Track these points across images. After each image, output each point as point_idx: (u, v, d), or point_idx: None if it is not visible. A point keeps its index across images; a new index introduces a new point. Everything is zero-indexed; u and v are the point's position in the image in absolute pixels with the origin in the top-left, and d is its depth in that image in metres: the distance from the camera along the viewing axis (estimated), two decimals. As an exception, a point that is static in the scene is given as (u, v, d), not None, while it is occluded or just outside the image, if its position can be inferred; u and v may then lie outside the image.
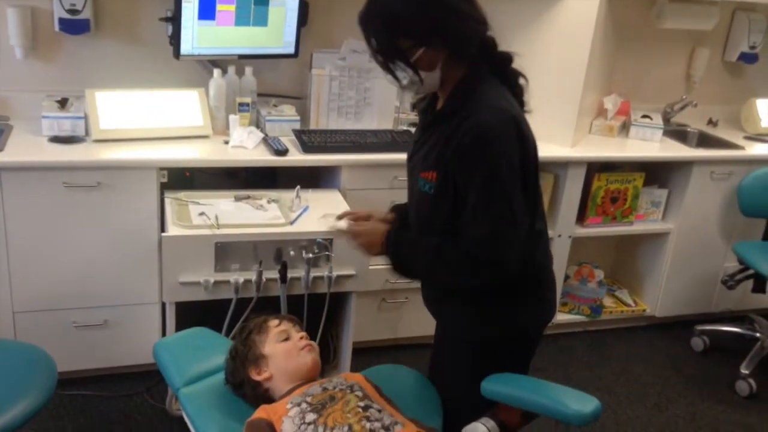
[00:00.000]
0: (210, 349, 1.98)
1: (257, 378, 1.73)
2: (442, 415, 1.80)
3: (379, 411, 1.60)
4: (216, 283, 2.44)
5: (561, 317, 3.48)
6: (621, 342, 3.56)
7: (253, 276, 2.46)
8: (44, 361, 2.06)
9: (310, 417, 1.56)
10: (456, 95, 1.62)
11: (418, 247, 1.67)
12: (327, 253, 2.50)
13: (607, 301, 3.59)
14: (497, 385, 1.65)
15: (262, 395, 1.73)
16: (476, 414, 1.69)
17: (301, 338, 1.79)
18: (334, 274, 2.52)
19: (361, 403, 1.61)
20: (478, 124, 1.53)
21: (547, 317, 1.77)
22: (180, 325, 2.53)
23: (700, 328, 3.53)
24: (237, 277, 2.46)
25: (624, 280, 3.78)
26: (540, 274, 1.73)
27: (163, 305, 2.63)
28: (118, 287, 2.66)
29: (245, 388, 1.75)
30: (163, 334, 2.75)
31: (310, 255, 2.46)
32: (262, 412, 1.64)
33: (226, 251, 2.44)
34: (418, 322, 2.93)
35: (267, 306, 2.37)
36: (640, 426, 2.91)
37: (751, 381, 3.17)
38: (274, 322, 1.82)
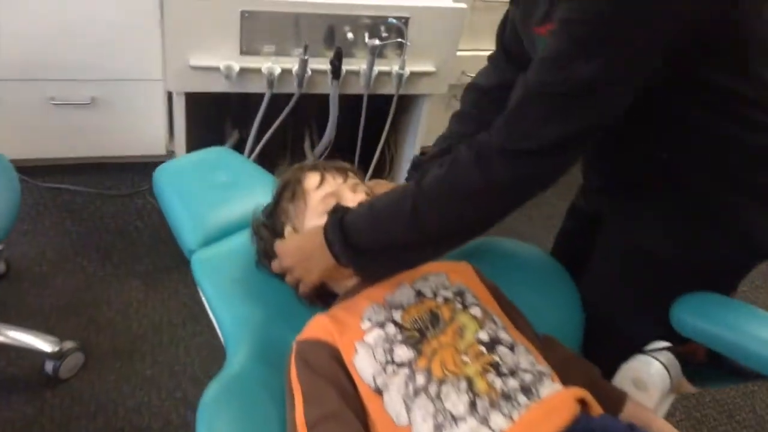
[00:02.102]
0: (236, 185, 1.34)
1: None
2: (582, 322, 1.21)
3: (512, 348, 0.99)
4: (242, 71, 1.73)
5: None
6: None
7: (294, 65, 1.74)
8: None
9: (403, 353, 0.96)
10: None
11: (379, 202, 0.98)
12: (400, 40, 1.75)
13: None
14: (698, 318, 1.03)
15: (315, 293, 1.12)
16: (641, 331, 1.13)
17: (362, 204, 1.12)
18: (407, 70, 1.80)
19: (483, 335, 0.99)
20: None
21: None
22: (191, 120, 1.87)
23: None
24: (271, 65, 1.74)
25: None
26: None
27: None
28: (107, 57, 1.96)
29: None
30: (170, 125, 2.10)
31: (376, 41, 1.72)
32: (320, 326, 1.03)
33: (256, 25, 1.71)
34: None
35: (309, 108, 1.69)
36: None
37: None
38: (312, 180, 1.14)
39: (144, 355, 1.77)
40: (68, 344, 1.66)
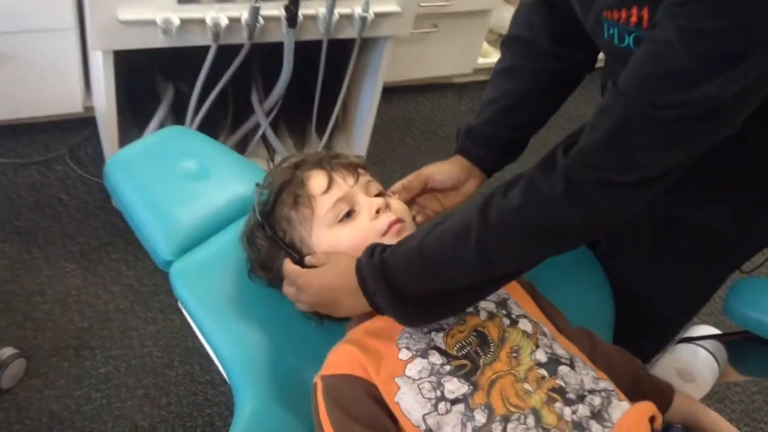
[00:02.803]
0: (207, 174, 1.14)
1: None
2: (613, 305, 1.12)
3: (571, 365, 0.88)
4: (183, 23, 1.48)
5: None
6: None
7: (241, 12, 1.50)
8: None
9: (455, 388, 0.83)
10: None
11: (429, 240, 0.81)
12: (364, -22, 1.54)
13: None
14: (754, 309, 0.96)
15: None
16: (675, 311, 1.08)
17: (379, 210, 0.93)
18: (371, 12, 1.59)
19: (540, 355, 0.87)
20: None
21: None
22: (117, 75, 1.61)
23: None
24: (216, 14, 1.49)
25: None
26: None
27: (82, 32, 1.69)
28: (4, 5, 1.64)
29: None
30: (86, 77, 1.83)
31: (337, -20, 1.51)
32: (349, 358, 0.88)
33: (196, -32, 1.45)
34: (446, 57, 2.36)
35: (252, 55, 1.49)
36: None
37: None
38: (318, 182, 0.95)
39: (94, 351, 1.58)
40: (7, 351, 1.45)
